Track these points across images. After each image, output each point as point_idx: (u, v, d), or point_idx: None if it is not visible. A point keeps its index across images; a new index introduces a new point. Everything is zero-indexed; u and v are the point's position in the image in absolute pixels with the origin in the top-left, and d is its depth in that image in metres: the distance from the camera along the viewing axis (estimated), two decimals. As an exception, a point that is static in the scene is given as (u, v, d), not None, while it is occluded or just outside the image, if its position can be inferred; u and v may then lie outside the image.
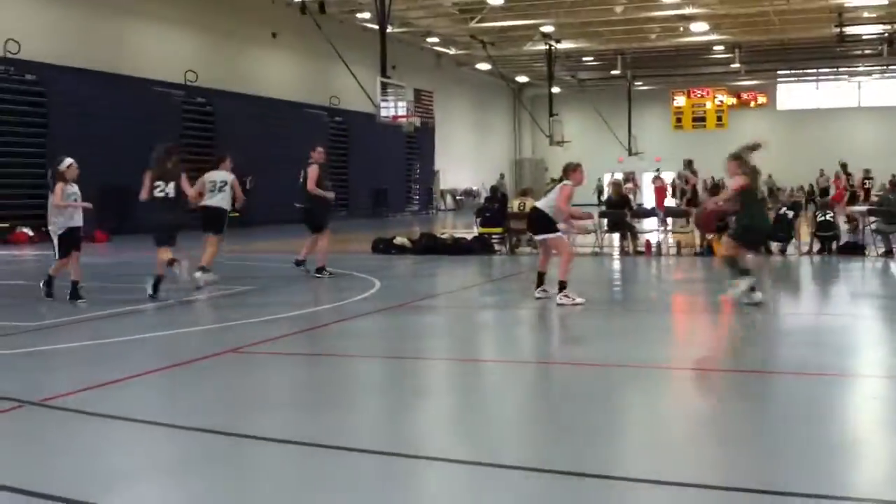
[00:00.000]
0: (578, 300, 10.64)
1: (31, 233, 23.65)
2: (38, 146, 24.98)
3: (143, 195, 11.97)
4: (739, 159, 10.53)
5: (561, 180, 11.35)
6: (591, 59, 51.02)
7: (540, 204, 11.32)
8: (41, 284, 11.60)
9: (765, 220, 11.00)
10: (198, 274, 12.50)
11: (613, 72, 50.98)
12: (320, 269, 14.11)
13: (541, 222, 11.14)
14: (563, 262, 10.91)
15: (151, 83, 29.33)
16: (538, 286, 11.27)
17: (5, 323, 9.74)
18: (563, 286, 10.71)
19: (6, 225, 23.56)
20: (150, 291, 11.47)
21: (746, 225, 10.65)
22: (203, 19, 32.02)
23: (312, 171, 14.03)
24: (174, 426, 5.62)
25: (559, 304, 10.58)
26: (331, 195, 14.43)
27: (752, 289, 10.40)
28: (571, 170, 11.20)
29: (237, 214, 13.80)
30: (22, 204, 24.62)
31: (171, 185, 11.94)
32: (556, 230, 11.10)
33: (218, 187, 13.26)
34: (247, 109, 32.72)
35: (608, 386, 6.82)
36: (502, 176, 51.02)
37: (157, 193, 11.91)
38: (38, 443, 5.31)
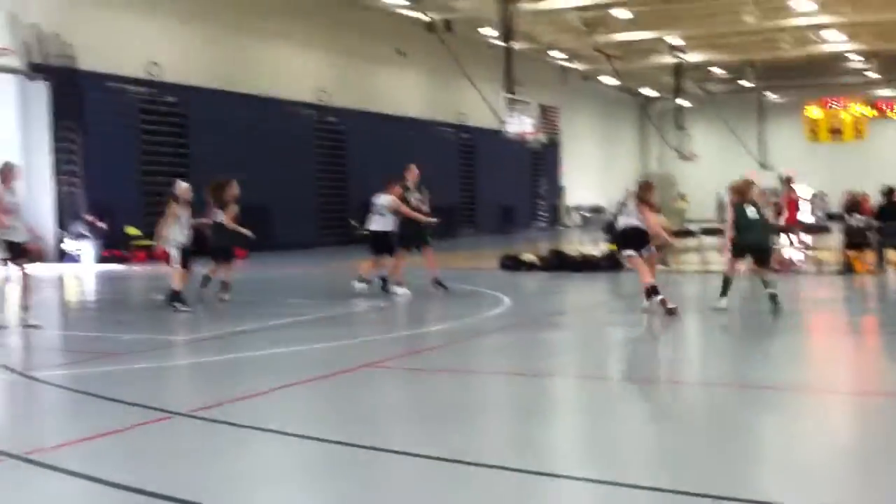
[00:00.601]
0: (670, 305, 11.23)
1: (172, 249, 24.65)
2: (180, 165, 26.07)
3: (207, 220, 13.48)
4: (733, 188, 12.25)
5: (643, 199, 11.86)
6: (721, 70, 50.04)
7: (636, 222, 11.75)
8: (169, 301, 12.53)
9: (751, 237, 11.79)
10: (398, 290, 13.92)
11: (743, 83, 49.86)
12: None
13: (642, 238, 11.70)
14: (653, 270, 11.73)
15: (285, 103, 30.28)
16: (649, 297, 11.52)
17: (155, 337, 10.24)
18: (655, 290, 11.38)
19: (152, 243, 24.58)
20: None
21: (735, 243, 11.84)
22: (334, 40, 32.86)
23: (393, 191, 14.37)
24: (310, 437, 5.82)
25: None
26: (414, 214, 14.30)
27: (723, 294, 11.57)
28: (647, 189, 12.07)
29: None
30: (165, 221, 25.71)
31: (220, 212, 13.32)
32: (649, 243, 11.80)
33: (377, 211, 13.99)
34: (376, 127, 33.38)
35: (741, 407, 6.71)
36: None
37: (217, 219, 13.36)
38: (183, 452, 5.60)
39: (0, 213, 10.65)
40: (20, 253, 10.96)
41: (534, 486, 4.86)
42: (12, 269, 11.19)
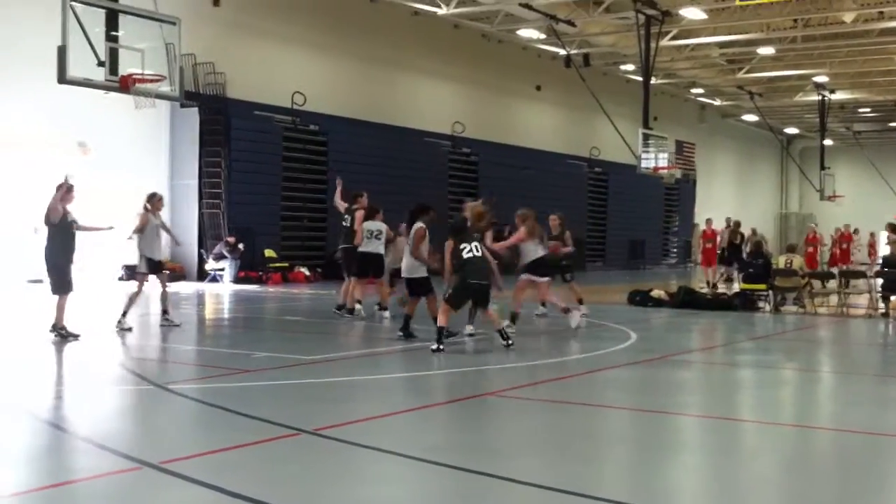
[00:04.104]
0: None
1: (307, 272, 25.35)
2: (319, 192, 26.85)
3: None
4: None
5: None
6: (868, 110, 48.33)
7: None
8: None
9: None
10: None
11: (892, 123, 47.95)
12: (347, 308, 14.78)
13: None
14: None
15: (421, 134, 30.84)
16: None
17: (286, 356, 10.56)
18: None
19: (286, 265, 25.37)
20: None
21: None
22: (471, 73, 33.31)
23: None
24: (432, 462, 5.91)
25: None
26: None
27: None
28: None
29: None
30: (301, 245, 26.52)
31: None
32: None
33: (375, 235, 15.22)
34: (509, 159, 33.59)
35: (874, 456, 6.47)
36: (754, 232, 49.18)
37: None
38: (308, 469, 5.77)
39: (138, 234, 13.01)
40: (159, 267, 13.31)
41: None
42: (153, 282, 13.42)
